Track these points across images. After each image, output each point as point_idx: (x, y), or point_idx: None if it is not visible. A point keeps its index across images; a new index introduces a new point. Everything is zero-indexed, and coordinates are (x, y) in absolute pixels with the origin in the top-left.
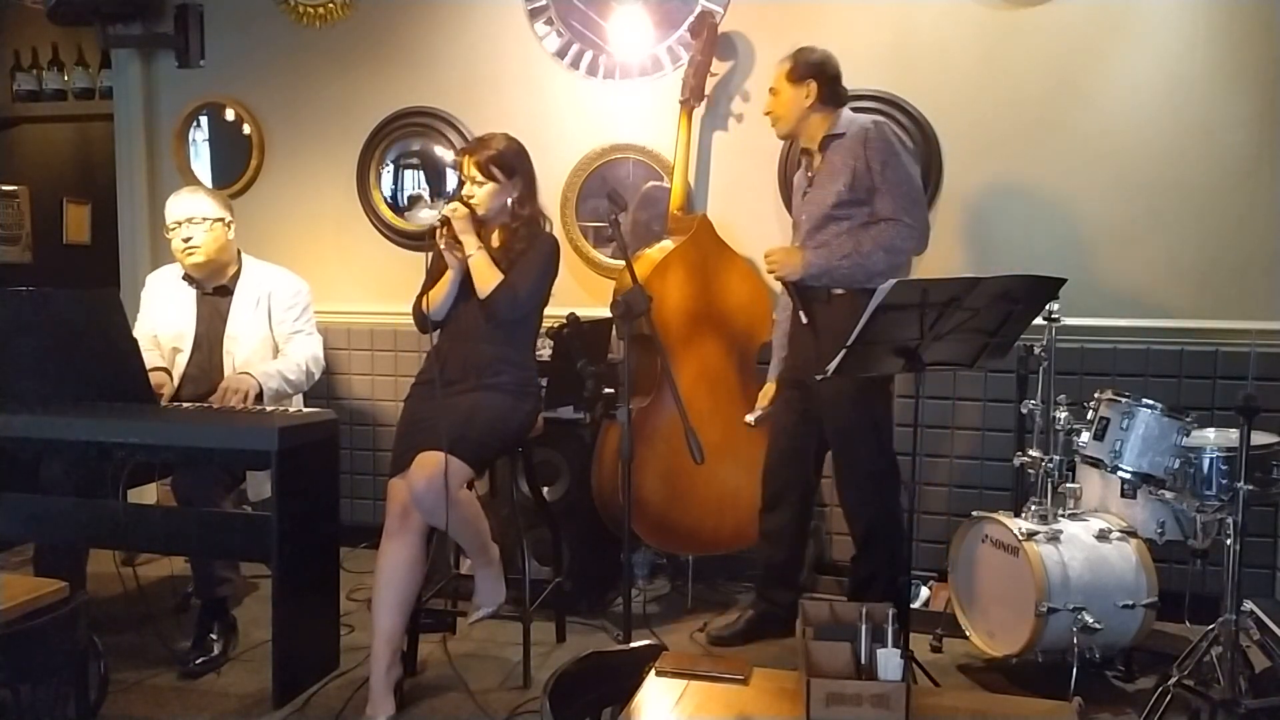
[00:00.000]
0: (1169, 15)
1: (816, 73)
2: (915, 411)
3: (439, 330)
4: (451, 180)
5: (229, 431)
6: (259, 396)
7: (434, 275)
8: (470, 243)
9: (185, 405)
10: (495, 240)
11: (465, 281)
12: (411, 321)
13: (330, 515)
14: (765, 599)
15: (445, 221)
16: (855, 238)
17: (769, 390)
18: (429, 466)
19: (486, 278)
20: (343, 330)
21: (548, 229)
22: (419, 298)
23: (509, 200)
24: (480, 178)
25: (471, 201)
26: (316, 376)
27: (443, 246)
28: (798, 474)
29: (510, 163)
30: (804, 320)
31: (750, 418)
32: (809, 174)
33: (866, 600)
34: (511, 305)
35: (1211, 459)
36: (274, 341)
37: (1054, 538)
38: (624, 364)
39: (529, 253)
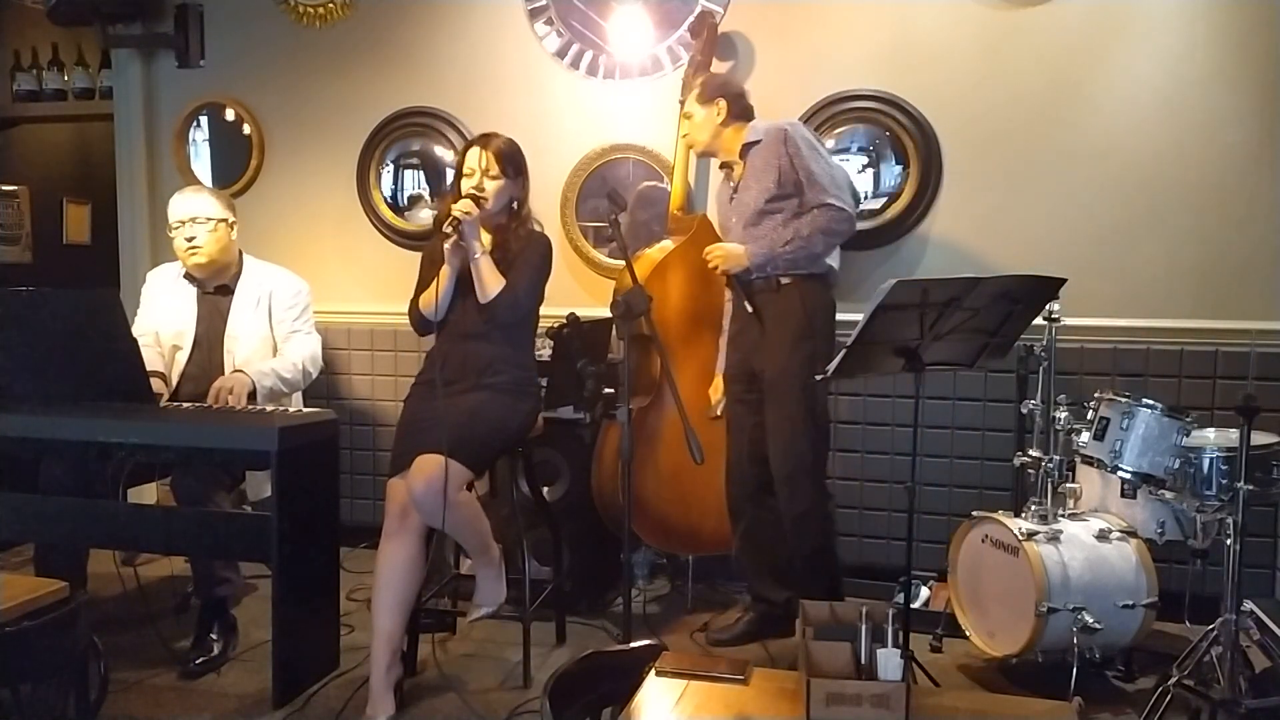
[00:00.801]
0: (1169, 15)
1: (723, 91)
2: (915, 411)
3: (437, 331)
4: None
5: (229, 431)
6: (253, 395)
7: (427, 278)
8: (476, 245)
9: (185, 405)
10: (490, 239)
11: (461, 281)
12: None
13: (330, 515)
14: (761, 599)
15: (456, 222)
16: (793, 226)
17: (719, 384)
18: (428, 468)
19: (490, 282)
20: (343, 330)
21: (537, 229)
22: (413, 301)
23: (512, 199)
24: (496, 171)
25: (482, 195)
26: (314, 376)
27: (448, 246)
28: (760, 467)
29: (519, 161)
30: (749, 310)
31: (716, 410)
32: (732, 183)
33: (807, 590)
34: (513, 308)
35: (1211, 459)
36: (274, 341)
37: (1054, 538)
38: (624, 364)
39: (524, 253)
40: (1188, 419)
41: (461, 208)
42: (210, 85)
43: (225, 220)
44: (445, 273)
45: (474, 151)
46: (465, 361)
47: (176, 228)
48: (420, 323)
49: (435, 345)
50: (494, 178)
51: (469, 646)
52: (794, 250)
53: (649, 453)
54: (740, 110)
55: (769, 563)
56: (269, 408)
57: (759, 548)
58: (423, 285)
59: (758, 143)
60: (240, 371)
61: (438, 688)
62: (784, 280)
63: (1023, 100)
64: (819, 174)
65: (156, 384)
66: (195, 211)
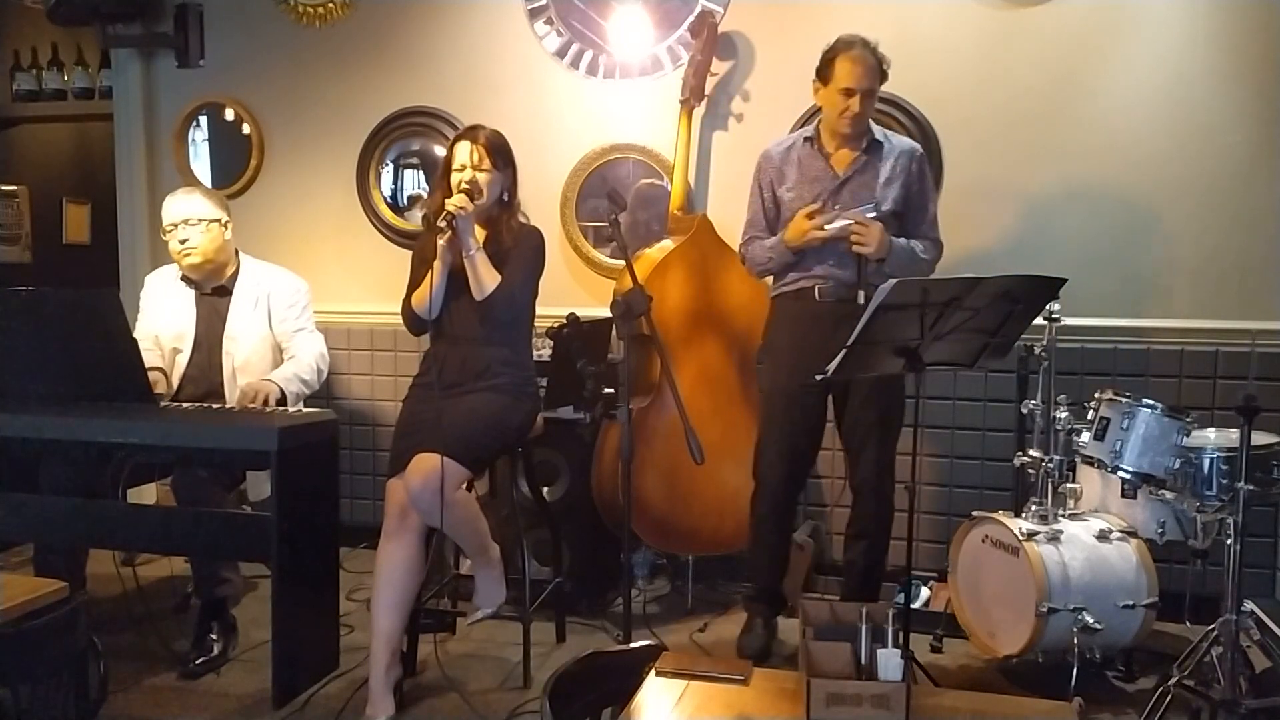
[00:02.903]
0: (1169, 15)
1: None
2: (915, 411)
3: (431, 332)
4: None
5: (229, 431)
6: (281, 401)
7: (418, 276)
8: (470, 241)
9: (185, 405)
10: (483, 234)
11: (455, 284)
12: None
13: (330, 515)
14: (759, 596)
15: (450, 217)
16: (915, 243)
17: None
18: (425, 466)
19: (486, 278)
20: (343, 330)
21: (525, 220)
22: (406, 300)
23: (503, 190)
24: (487, 164)
25: (476, 189)
26: (325, 374)
27: (442, 242)
28: (801, 478)
29: (508, 152)
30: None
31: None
32: (834, 167)
33: (867, 590)
34: (510, 304)
35: (1212, 459)
36: (273, 341)
37: (1054, 538)
38: (624, 364)
39: (518, 247)
40: (1188, 419)
41: (456, 202)
42: (210, 85)
43: (218, 220)
44: (438, 268)
45: (463, 145)
46: (464, 365)
47: (170, 230)
48: (414, 321)
49: (432, 348)
50: (485, 170)
51: (469, 646)
52: (915, 269)
53: (649, 453)
54: None
55: (777, 561)
56: (268, 408)
57: (773, 546)
58: (414, 284)
59: (882, 145)
60: (267, 379)
61: (438, 688)
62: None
63: (1023, 100)
64: (935, 209)
65: (155, 376)
66: (188, 213)
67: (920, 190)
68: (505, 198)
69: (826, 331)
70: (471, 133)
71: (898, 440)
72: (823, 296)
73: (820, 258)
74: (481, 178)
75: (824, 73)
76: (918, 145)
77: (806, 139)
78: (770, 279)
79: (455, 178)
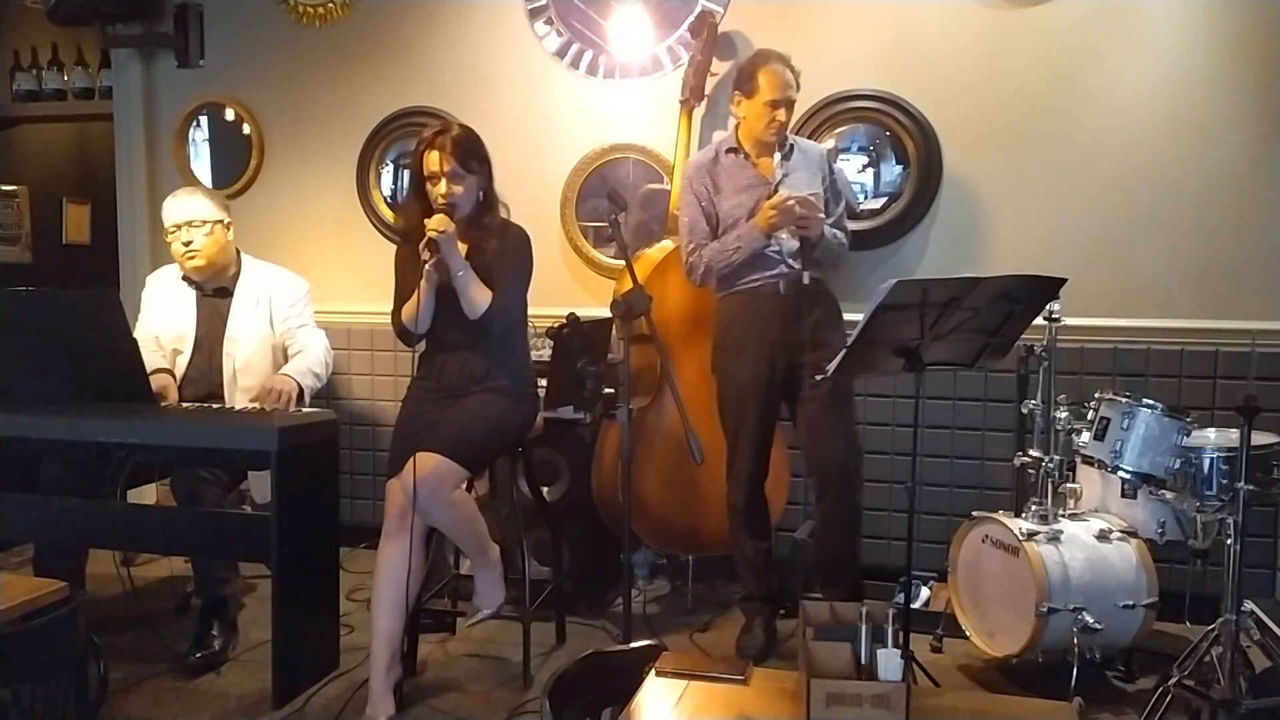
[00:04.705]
0: (1169, 15)
1: None
2: (915, 411)
3: (424, 340)
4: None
5: (229, 431)
6: (301, 396)
7: (404, 284)
8: (457, 261)
9: (185, 405)
10: (465, 243)
11: (447, 290)
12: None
13: (330, 515)
14: (752, 598)
15: (433, 243)
16: (838, 232)
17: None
18: (424, 468)
19: (477, 297)
20: (343, 330)
21: (504, 214)
22: (395, 312)
23: (479, 190)
24: (460, 170)
25: (451, 204)
26: (330, 369)
27: (430, 266)
28: (767, 468)
29: (479, 149)
30: (806, 281)
31: None
32: (763, 174)
33: (857, 586)
34: (504, 317)
35: (1212, 459)
36: (274, 342)
37: (1054, 538)
38: (624, 364)
39: (505, 255)
40: (1188, 419)
41: (435, 225)
42: (210, 85)
43: (221, 221)
44: (424, 289)
45: (431, 155)
46: (462, 370)
47: (173, 232)
48: (405, 334)
49: (427, 351)
50: (459, 178)
51: (469, 647)
52: (838, 247)
53: (649, 453)
54: None
55: (761, 556)
56: (268, 407)
57: (754, 542)
58: (400, 293)
59: (792, 148)
60: (285, 374)
61: (438, 688)
62: (822, 280)
63: (1023, 100)
64: (845, 204)
65: (163, 379)
66: (190, 215)
67: (835, 184)
68: (482, 197)
69: (790, 322)
70: (439, 139)
71: (855, 417)
72: (785, 290)
73: (774, 258)
74: (456, 189)
75: (746, 86)
76: (824, 147)
77: (730, 150)
78: (715, 283)
79: (430, 191)
